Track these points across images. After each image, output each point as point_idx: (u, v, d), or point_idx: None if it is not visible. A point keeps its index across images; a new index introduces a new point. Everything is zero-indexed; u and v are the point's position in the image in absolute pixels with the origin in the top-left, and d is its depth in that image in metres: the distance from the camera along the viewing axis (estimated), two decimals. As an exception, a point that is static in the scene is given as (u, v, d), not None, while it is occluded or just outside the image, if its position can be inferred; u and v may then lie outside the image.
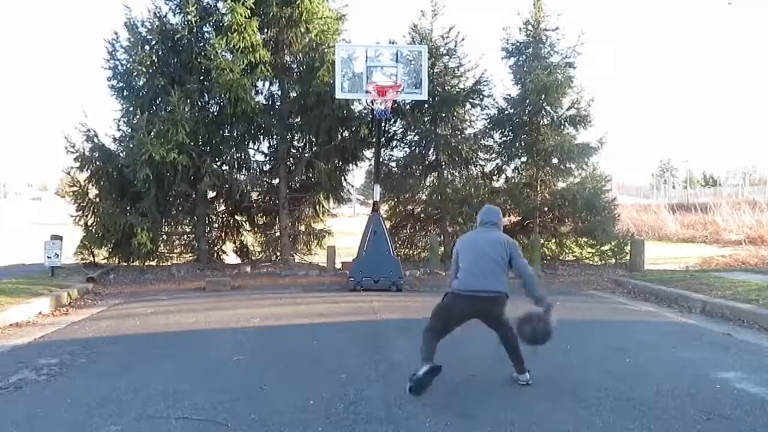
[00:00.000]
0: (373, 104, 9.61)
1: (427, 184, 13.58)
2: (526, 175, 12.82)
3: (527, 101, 12.24)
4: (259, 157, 13.22)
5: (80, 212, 11.72)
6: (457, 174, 13.24)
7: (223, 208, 13.48)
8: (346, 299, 8.35)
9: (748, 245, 17.34)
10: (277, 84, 12.49)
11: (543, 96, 11.83)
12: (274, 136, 12.84)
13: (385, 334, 6.01)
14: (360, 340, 5.67)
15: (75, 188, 11.80)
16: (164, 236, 12.43)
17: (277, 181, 12.91)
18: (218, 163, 12.25)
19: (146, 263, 12.04)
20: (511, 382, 4.16)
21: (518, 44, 12.62)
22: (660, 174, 69.38)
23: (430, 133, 12.62)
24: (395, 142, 13.41)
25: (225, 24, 11.10)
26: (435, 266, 11.59)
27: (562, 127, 12.44)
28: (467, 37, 12.72)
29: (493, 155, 13.21)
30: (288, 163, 12.93)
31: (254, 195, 13.21)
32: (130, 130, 11.59)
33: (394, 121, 12.97)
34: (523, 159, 12.84)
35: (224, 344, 5.56)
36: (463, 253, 4.19)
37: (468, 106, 13.00)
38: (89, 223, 11.65)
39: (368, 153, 13.05)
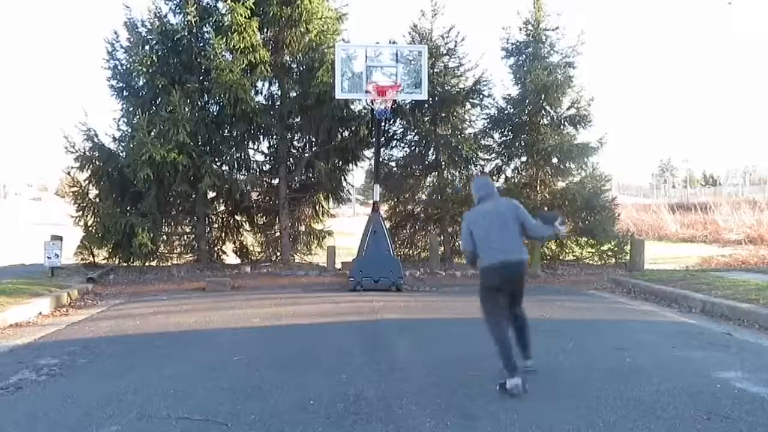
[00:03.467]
0: (372, 104, 9.59)
1: (427, 184, 13.57)
2: (526, 175, 12.82)
3: (527, 101, 12.24)
4: (259, 157, 13.27)
5: (80, 212, 11.73)
6: (457, 174, 13.22)
7: (223, 208, 13.48)
8: (347, 299, 8.35)
9: (748, 245, 17.32)
10: (277, 84, 12.49)
11: (543, 96, 11.82)
12: (274, 136, 12.85)
13: (385, 334, 6.01)
14: (360, 340, 5.67)
15: (75, 188, 11.80)
16: (164, 236, 12.43)
17: (277, 181, 12.91)
18: (218, 163, 12.25)
19: (146, 263, 12.05)
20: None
21: (518, 44, 12.61)
22: (660, 174, 69.28)
23: (430, 133, 12.61)
24: (395, 142, 13.40)
25: (225, 24, 11.11)
26: (435, 266, 11.59)
27: (561, 127, 12.43)
28: (467, 37, 12.73)
29: (493, 155, 13.20)
30: (288, 163, 12.93)
31: (254, 195, 13.22)
32: (130, 130, 11.58)
33: (394, 121, 12.95)
34: (523, 159, 12.83)
35: (224, 344, 5.56)
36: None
37: (468, 105, 13.00)
38: (89, 224, 11.65)
39: (368, 153, 13.04)
